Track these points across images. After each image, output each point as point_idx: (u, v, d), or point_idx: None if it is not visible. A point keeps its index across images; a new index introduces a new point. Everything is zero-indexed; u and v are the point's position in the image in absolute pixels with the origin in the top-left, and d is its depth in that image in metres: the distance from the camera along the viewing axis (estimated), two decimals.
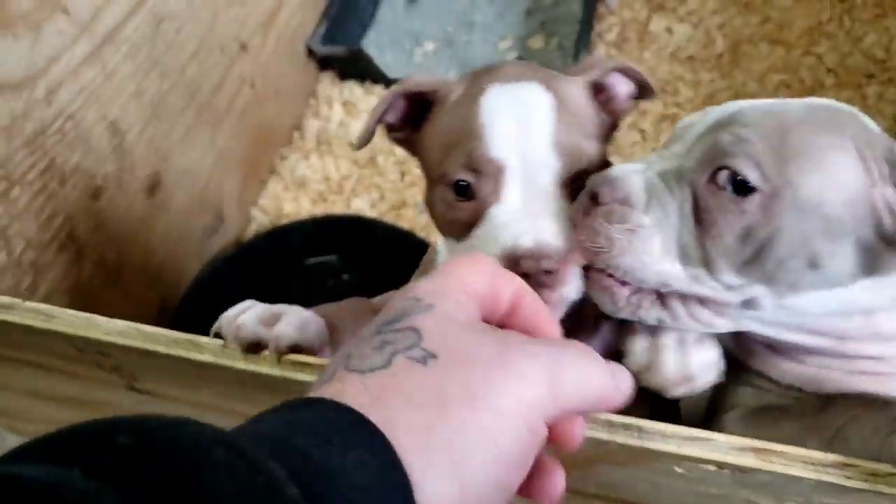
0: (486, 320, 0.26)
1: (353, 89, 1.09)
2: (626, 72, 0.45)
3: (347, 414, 0.21)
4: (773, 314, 0.36)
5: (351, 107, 1.08)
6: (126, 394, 0.44)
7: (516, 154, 0.38)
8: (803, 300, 0.35)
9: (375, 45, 1.17)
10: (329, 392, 0.22)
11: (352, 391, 0.22)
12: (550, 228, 0.38)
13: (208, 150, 0.86)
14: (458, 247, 0.42)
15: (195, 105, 0.82)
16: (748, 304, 0.36)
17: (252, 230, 0.96)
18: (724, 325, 0.37)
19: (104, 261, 0.73)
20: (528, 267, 0.37)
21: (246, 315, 0.39)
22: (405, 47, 1.17)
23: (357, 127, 1.06)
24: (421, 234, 0.93)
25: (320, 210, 0.98)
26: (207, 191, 0.87)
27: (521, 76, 0.40)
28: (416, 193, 0.99)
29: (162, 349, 0.35)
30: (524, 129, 0.38)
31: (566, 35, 1.14)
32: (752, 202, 0.34)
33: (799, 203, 0.34)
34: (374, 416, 0.21)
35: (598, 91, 0.45)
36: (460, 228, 0.41)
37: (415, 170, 1.01)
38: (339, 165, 1.02)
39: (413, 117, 0.45)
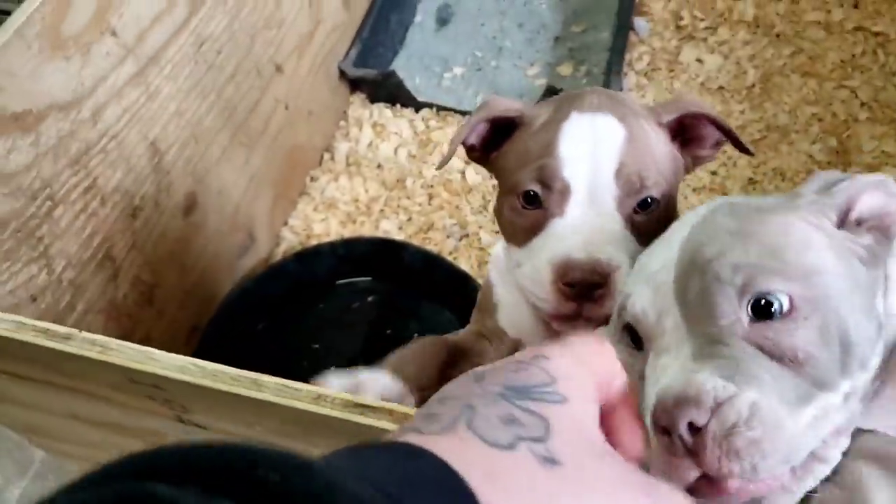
0: None
1: (383, 112, 1.10)
2: (703, 118, 0.46)
3: (460, 483, 0.21)
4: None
5: (381, 129, 1.08)
6: (172, 424, 0.44)
7: (584, 177, 0.42)
8: (875, 357, 0.34)
9: (405, 69, 1.18)
10: (446, 447, 0.22)
11: (471, 459, 0.22)
12: (604, 247, 0.41)
13: (243, 170, 0.86)
14: (518, 252, 0.45)
15: (232, 126, 0.83)
16: (862, 398, 0.34)
17: (281, 250, 0.97)
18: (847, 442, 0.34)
19: (139, 280, 0.73)
20: (577, 277, 0.40)
21: (332, 384, 0.40)
22: (435, 71, 1.18)
23: (386, 148, 1.06)
24: (448, 258, 0.93)
25: (349, 231, 0.98)
26: (240, 211, 0.88)
27: (600, 107, 0.44)
28: (444, 217, 0.98)
29: (223, 387, 0.34)
30: (594, 156, 0.42)
31: (595, 63, 1.15)
32: (801, 309, 0.33)
33: (824, 280, 0.34)
34: (484, 499, 0.21)
35: (683, 130, 0.47)
36: (523, 235, 0.44)
37: (443, 193, 1.01)
38: (369, 187, 1.02)
39: (492, 139, 0.48)
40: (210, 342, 0.82)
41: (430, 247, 0.95)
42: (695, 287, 0.34)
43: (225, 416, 0.39)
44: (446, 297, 0.86)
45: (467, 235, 0.97)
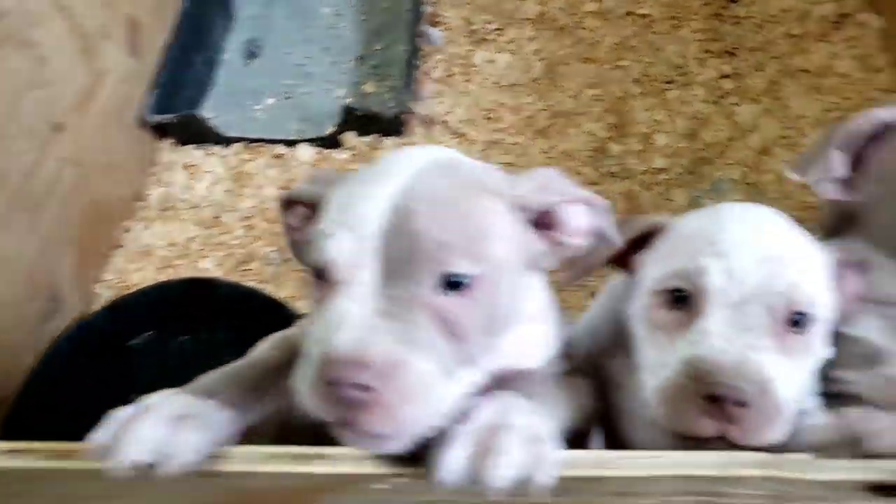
0: None
1: (193, 153, 1.10)
2: None
3: None
4: None
5: (193, 170, 1.09)
6: None
7: None
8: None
9: (217, 107, 1.19)
10: None
11: None
12: None
13: (28, 235, 0.84)
14: None
15: (6, 193, 0.81)
16: None
17: (97, 307, 0.94)
18: None
19: None
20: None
21: None
22: (247, 105, 1.20)
23: (201, 188, 1.06)
24: (270, 286, 0.94)
25: (167, 277, 0.97)
26: (36, 276, 0.85)
27: None
28: (263, 246, 1.00)
29: None
30: None
31: (398, 77, 1.21)
32: (477, 294, 0.40)
33: (503, 273, 0.42)
34: None
35: None
36: None
37: (261, 223, 1.03)
38: (185, 228, 1.02)
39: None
40: (17, 418, 0.79)
41: (251, 278, 0.96)
42: (399, 251, 0.37)
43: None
44: (264, 327, 0.87)
45: (288, 260, 0.99)
